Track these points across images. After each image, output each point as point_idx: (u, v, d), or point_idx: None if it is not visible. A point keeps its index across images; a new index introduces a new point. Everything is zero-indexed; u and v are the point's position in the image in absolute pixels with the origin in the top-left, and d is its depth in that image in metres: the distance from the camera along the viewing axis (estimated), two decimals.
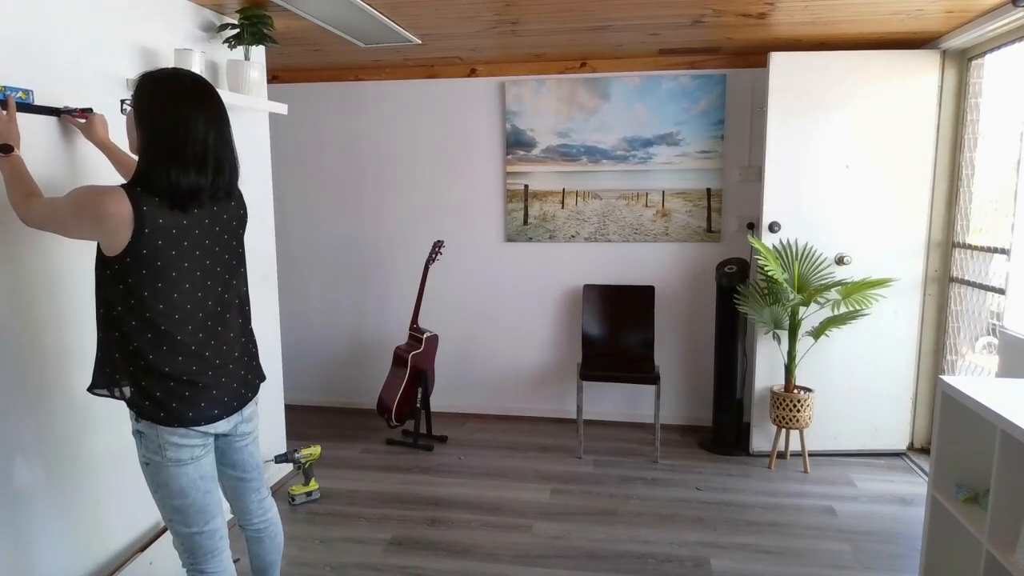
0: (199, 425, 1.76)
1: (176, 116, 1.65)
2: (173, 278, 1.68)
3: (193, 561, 1.85)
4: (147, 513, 2.56)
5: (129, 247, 1.62)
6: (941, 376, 2.60)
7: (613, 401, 4.38)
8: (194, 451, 1.77)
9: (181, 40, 2.67)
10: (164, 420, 1.72)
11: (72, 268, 2.19)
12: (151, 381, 1.70)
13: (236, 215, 1.86)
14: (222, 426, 1.83)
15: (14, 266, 2.01)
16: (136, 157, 1.69)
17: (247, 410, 1.93)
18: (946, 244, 3.63)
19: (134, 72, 2.43)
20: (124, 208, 1.59)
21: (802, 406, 3.52)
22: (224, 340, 1.82)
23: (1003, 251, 3.13)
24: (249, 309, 1.95)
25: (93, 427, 2.30)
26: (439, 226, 4.43)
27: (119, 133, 2.21)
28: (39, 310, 2.09)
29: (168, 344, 1.70)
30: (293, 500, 3.22)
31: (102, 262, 1.67)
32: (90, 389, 1.77)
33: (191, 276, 1.72)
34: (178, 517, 1.80)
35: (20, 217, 1.77)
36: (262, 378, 1.99)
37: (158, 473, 1.76)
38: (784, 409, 3.54)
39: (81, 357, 2.23)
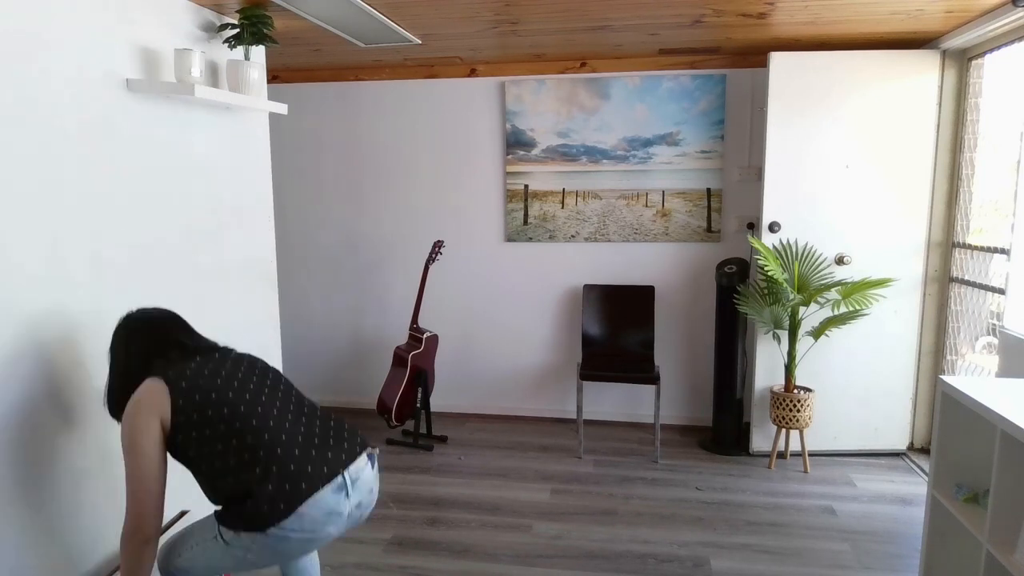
0: None
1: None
2: None
3: (187, 571, 1.83)
4: None
5: None
6: (941, 376, 2.60)
7: (613, 401, 4.38)
8: None
9: (181, 40, 2.67)
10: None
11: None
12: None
13: None
14: None
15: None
16: None
17: None
18: (946, 244, 3.63)
19: (134, 72, 2.43)
20: None
21: (802, 406, 3.52)
22: None
23: (1003, 251, 3.13)
24: None
25: (93, 426, 2.30)
26: (439, 226, 4.43)
27: None
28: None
29: None
30: None
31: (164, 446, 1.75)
32: None
33: None
34: (206, 572, 1.80)
35: (131, 532, 1.69)
36: None
37: (226, 557, 1.72)
38: (784, 409, 3.54)
39: (94, 350, 2.23)
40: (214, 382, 1.74)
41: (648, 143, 4.11)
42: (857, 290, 3.45)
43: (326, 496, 1.68)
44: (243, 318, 3.15)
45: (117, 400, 1.83)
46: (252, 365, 1.89)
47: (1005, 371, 2.83)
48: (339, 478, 1.71)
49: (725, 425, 3.90)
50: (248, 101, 2.80)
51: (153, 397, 1.69)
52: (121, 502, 2.44)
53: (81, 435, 2.26)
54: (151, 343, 1.85)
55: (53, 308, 2.14)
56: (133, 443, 1.66)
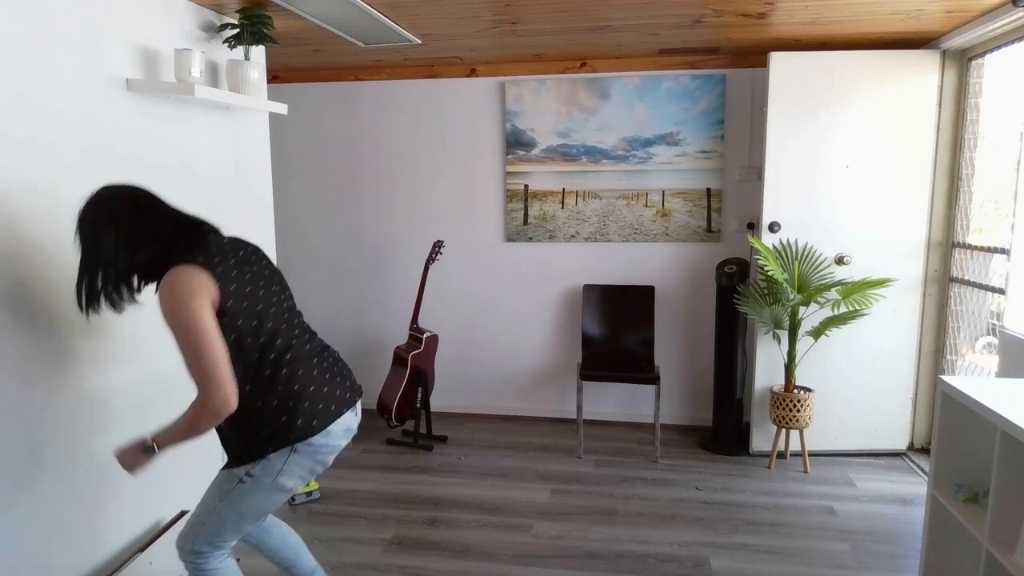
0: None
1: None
2: None
3: (214, 542, 1.87)
4: (147, 513, 2.56)
5: None
6: (941, 376, 2.60)
7: (613, 401, 4.38)
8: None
9: (181, 40, 2.67)
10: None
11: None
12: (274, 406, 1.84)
13: None
14: None
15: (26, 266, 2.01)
16: None
17: None
18: (946, 244, 3.63)
19: (134, 72, 2.43)
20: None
21: (802, 406, 3.52)
22: None
23: (1003, 251, 3.14)
24: None
25: (97, 426, 2.30)
26: (439, 226, 4.43)
27: None
28: (57, 305, 2.09)
29: None
30: (293, 500, 3.22)
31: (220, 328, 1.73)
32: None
33: None
34: (237, 528, 1.87)
35: (226, 406, 1.65)
36: None
37: (255, 492, 1.80)
38: (784, 409, 3.54)
39: (94, 354, 2.23)
40: (256, 296, 1.76)
41: (648, 143, 4.11)
42: (857, 290, 3.45)
43: (348, 417, 1.90)
44: None
45: (144, 274, 1.71)
46: (272, 272, 1.91)
47: (1005, 371, 2.83)
48: (356, 404, 1.96)
49: (725, 425, 3.90)
50: (248, 101, 2.80)
51: (202, 283, 1.64)
52: (127, 498, 2.45)
53: None
54: (157, 214, 1.75)
55: (54, 304, 2.14)
56: (194, 321, 1.61)
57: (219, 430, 1.84)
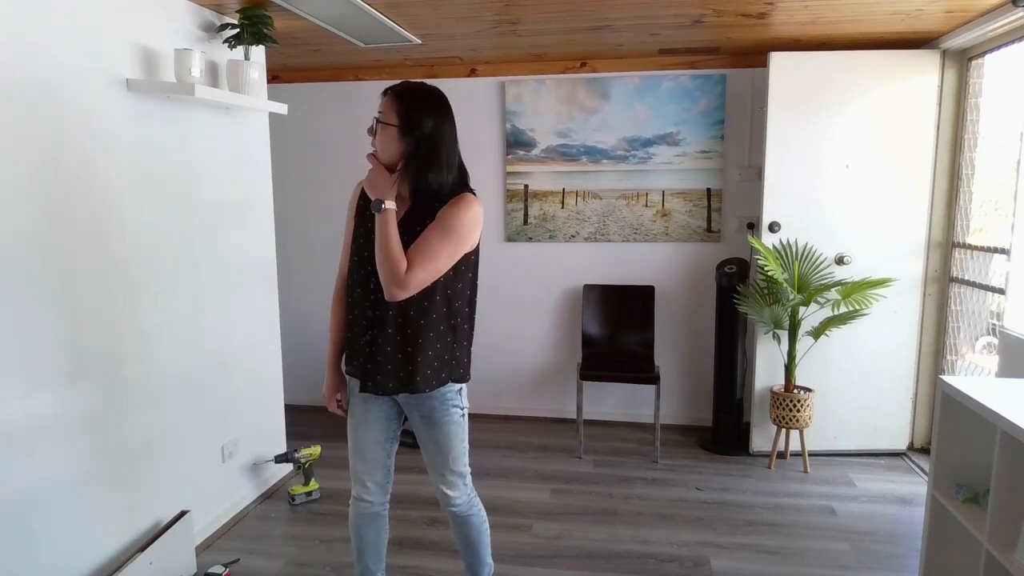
0: None
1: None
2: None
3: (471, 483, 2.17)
4: (147, 513, 2.56)
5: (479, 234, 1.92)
6: (941, 376, 2.60)
7: (613, 401, 4.38)
8: None
9: (181, 40, 2.67)
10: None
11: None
12: (469, 351, 2.01)
13: None
14: None
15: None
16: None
17: None
18: (946, 244, 3.63)
19: (134, 72, 2.43)
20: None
21: (802, 406, 3.52)
22: None
23: (1003, 251, 3.14)
24: None
25: (99, 426, 2.30)
26: None
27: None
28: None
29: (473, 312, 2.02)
30: (293, 500, 3.22)
31: (460, 261, 1.88)
32: (430, 390, 1.93)
33: None
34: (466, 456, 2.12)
35: (399, 287, 1.79)
36: None
37: (465, 420, 2.06)
38: (784, 409, 3.54)
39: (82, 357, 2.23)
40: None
41: (648, 143, 4.11)
42: (857, 290, 3.45)
43: None
44: (243, 317, 3.15)
45: (447, 176, 1.86)
46: None
47: (1005, 371, 2.83)
48: None
49: (725, 425, 3.90)
50: (248, 101, 2.81)
51: (481, 223, 1.89)
52: (127, 498, 2.45)
53: None
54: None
55: (55, 304, 2.14)
56: (466, 237, 1.84)
57: (429, 351, 1.91)
